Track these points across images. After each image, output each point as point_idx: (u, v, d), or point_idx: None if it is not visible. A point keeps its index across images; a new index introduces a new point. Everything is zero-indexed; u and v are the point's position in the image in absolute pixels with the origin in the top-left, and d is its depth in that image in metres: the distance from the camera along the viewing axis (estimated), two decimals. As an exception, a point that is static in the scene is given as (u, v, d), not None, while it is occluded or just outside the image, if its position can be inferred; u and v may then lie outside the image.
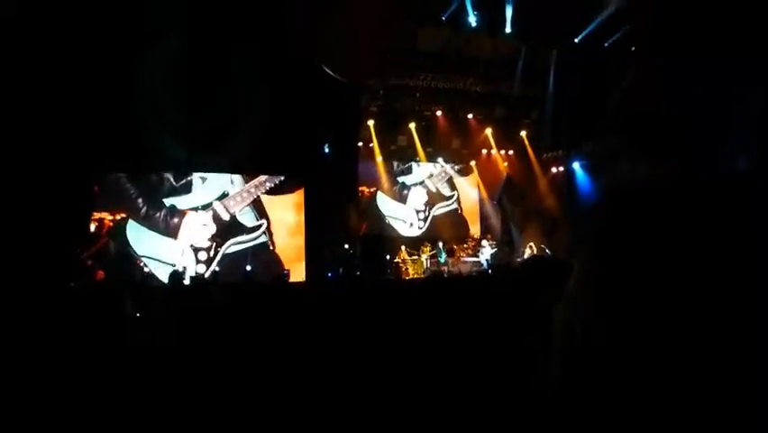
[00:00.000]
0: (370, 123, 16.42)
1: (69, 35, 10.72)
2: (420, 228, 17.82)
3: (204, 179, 14.41)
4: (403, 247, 16.05)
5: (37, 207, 10.27)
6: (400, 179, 18.07)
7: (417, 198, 18.18)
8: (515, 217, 18.06)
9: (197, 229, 14.03)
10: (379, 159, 17.18)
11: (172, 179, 14.06)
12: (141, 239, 13.39)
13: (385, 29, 9.62)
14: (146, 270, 13.21)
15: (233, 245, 14.33)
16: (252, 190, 14.90)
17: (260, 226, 14.70)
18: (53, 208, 10.65)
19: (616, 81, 14.84)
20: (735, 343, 0.53)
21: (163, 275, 12.84)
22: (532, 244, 16.99)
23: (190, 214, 14.07)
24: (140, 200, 13.58)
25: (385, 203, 17.58)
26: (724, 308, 0.53)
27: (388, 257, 14.98)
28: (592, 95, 15.20)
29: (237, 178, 14.81)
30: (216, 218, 14.34)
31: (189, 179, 14.23)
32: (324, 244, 14.10)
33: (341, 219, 14.89)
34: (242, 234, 14.49)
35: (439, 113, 17.29)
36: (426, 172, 18.45)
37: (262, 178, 14.97)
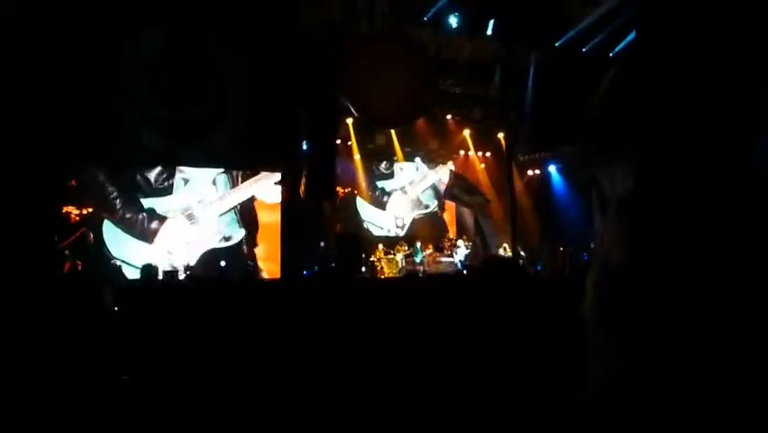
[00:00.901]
0: (349, 121, 16.38)
1: (48, 28, 10.55)
2: (398, 235, 17.74)
3: (186, 181, 14.01)
4: (380, 246, 16.06)
5: (8, 198, 10.08)
6: (380, 183, 18.02)
7: (397, 204, 18.11)
8: (476, 210, 18.19)
9: (175, 234, 13.65)
10: (357, 157, 17.17)
11: (153, 180, 13.68)
12: (116, 240, 13.06)
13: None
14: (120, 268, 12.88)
15: (210, 249, 14.03)
16: (235, 195, 14.60)
17: (240, 233, 14.42)
18: (24, 200, 10.43)
19: (593, 85, 15.03)
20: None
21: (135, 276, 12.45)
22: (506, 245, 17.13)
23: (168, 218, 13.69)
24: (118, 201, 13.17)
25: (363, 208, 17.52)
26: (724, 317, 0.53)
27: (363, 255, 14.96)
28: (570, 98, 15.36)
29: (220, 181, 14.46)
30: (195, 223, 14.00)
31: (171, 181, 13.86)
32: (300, 241, 14.03)
33: (317, 217, 14.85)
34: (220, 241, 14.16)
35: (418, 113, 17.32)
36: (408, 178, 18.33)
37: (246, 183, 14.69)
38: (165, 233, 13.56)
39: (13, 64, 10.24)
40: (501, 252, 16.87)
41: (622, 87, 13.34)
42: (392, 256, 15.94)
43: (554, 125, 16.13)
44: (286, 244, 14.45)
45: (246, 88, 12.72)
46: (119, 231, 13.15)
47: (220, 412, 2.26)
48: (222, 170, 14.54)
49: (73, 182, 12.65)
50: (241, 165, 14.53)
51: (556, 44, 14.60)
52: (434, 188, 18.80)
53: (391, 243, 16.64)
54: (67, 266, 12.04)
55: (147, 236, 13.43)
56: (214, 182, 14.43)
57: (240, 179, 14.74)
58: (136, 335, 3.02)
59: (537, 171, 18.38)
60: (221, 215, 14.33)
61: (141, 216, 13.41)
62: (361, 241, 15.37)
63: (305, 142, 14.23)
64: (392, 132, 17.16)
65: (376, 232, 17.37)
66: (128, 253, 13.09)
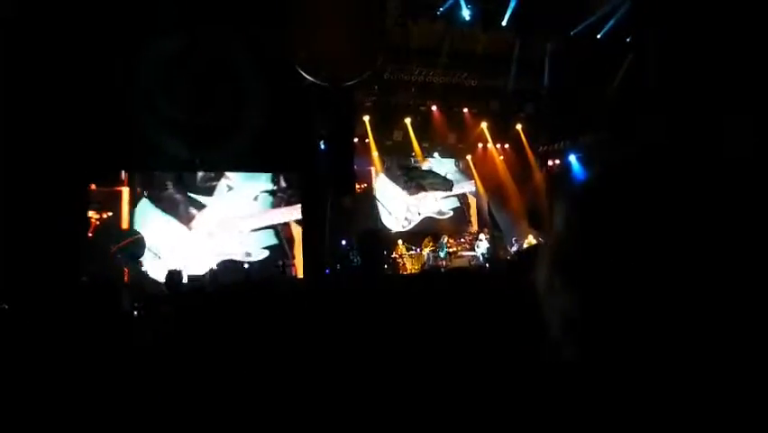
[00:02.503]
0: (366, 118, 16.38)
1: (53, 29, 10.66)
2: (404, 226, 17.42)
3: (230, 188, 14.16)
4: (400, 242, 16.01)
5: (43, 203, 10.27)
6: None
7: (414, 195, 17.98)
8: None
9: (205, 233, 13.72)
10: (375, 154, 17.15)
11: (198, 178, 13.89)
12: (147, 221, 13.16)
13: (366, 24, 9.39)
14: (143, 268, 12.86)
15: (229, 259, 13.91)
16: (273, 215, 14.59)
17: (262, 253, 14.26)
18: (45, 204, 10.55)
19: (610, 73, 14.87)
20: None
21: (155, 266, 12.60)
22: (531, 237, 16.99)
23: (204, 216, 13.77)
24: (169, 183, 13.49)
25: (383, 187, 17.45)
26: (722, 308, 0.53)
27: (385, 252, 14.91)
28: (587, 87, 15.21)
29: (262, 198, 14.53)
30: (224, 231, 13.98)
31: (215, 183, 14.04)
32: (321, 240, 14.06)
33: (338, 215, 14.85)
34: (242, 255, 14.00)
35: (434, 107, 17.26)
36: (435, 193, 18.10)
37: (288, 208, 14.69)
38: (196, 229, 13.66)
39: (19, 65, 10.36)
40: (525, 244, 16.74)
41: (639, 73, 13.18)
42: (414, 252, 15.88)
43: (572, 114, 16.00)
44: (306, 243, 14.49)
45: (262, 90, 12.76)
46: (156, 210, 13.29)
47: (238, 415, 2.28)
48: (268, 188, 14.65)
49: (92, 186, 12.75)
50: (260, 167, 14.54)
51: (572, 33, 14.46)
52: (457, 197, 18.51)
53: (414, 239, 16.54)
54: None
55: (182, 221, 13.57)
56: (256, 198, 14.50)
57: (284, 202, 14.75)
58: (160, 338, 3.07)
59: (557, 161, 18.21)
60: (252, 230, 14.31)
61: (179, 197, 13.61)
62: (383, 237, 15.31)
63: (322, 141, 14.27)
64: (409, 127, 17.09)
65: (384, 217, 17.14)
66: (156, 236, 13.07)
